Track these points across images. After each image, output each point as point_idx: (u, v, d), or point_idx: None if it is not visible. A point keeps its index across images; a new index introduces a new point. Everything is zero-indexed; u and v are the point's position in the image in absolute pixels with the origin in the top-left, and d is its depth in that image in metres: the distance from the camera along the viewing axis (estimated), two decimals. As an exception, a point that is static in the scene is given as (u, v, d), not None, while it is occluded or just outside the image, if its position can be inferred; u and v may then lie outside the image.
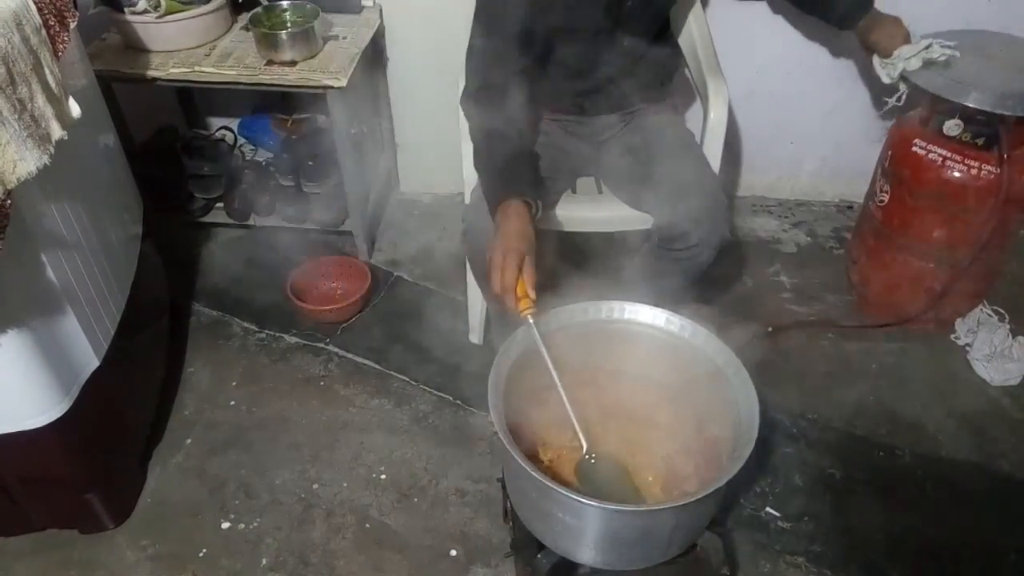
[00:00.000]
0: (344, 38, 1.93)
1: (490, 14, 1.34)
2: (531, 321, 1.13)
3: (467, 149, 1.43)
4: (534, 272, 1.14)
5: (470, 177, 1.56)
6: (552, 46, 1.43)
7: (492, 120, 1.33)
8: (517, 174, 1.28)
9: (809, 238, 2.26)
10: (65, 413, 1.27)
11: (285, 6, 1.92)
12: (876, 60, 1.64)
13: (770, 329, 1.92)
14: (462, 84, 1.42)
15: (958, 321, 1.90)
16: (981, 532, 1.50)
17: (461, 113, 1.42)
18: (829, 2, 1.64)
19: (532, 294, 1.12)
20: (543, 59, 1.45)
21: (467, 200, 1.52)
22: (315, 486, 1.58)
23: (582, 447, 1.17)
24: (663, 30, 1.55)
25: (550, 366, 1.13)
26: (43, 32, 1.13)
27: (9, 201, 1.02)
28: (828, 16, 1.67)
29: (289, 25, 1.90)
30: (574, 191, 1.68)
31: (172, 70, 1.80)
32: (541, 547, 1.14)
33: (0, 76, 0.99)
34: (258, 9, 1.91)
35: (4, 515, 1.39)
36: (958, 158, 1.64)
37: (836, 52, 2.05)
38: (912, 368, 1.84)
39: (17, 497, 1.36)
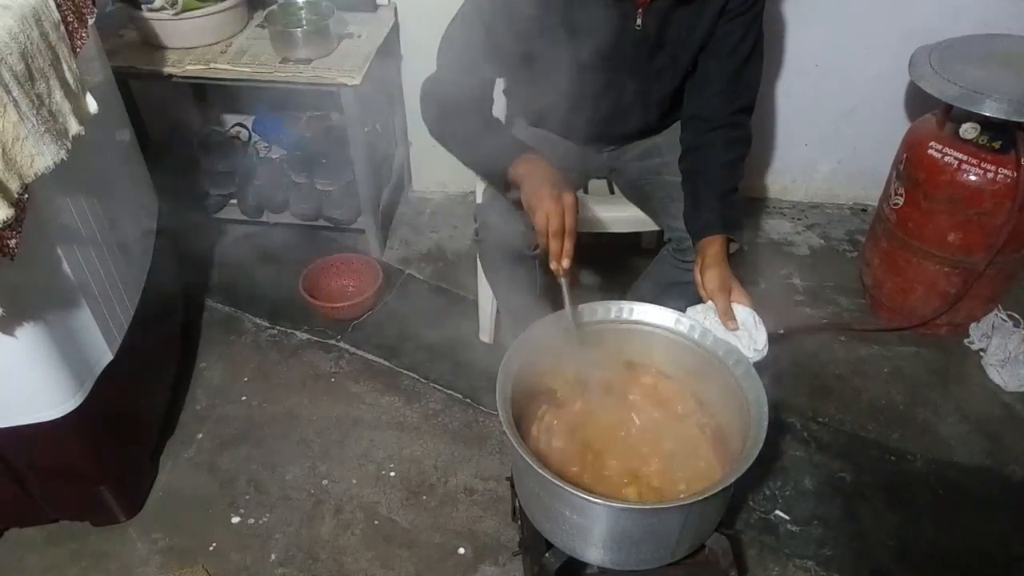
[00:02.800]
0: (359, 36, 1.94)
1: (489, 17, 1.26)
2: (562, 281, 1.11)
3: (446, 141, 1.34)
4: (576, 212, 1.11)
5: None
6: (568, 85, 1.39)
7: (469, 98, 1.29)
8: (513, 139, 1.27)
9: (822, 241, 2.25)
10: (79, 406, 1.28)
11: (300, 4, 1.93)
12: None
13: (782, 331, 1.91)
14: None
15: (972, 326, 1.89)
16: (993, 538, 1.49)
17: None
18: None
19: (570, 251, 1.09)
20: (554, 92, 1.41)
21: (479, 199, 1.52)
22: (325, 482, 1.58)
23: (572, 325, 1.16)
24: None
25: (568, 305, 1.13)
26: (61, 28, 1.14)
27: (26, 196, 1.03)
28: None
29: (304, 23, 1.91)
30: (586, 191, 1.68)
31: (188, 67, 1.82)
32: (549, 546, 1.14)
33: (19, 71, 1.00)
34: (274, 7, 1.92)
35: (18, 506, 1.41)
36: (974, 161, 1.63)
37: (851, 54, 2.04)
38: (925, 372, 1.83)
39: (31, 489, 1.38)
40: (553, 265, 1.11)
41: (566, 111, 1.42)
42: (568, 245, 1.10)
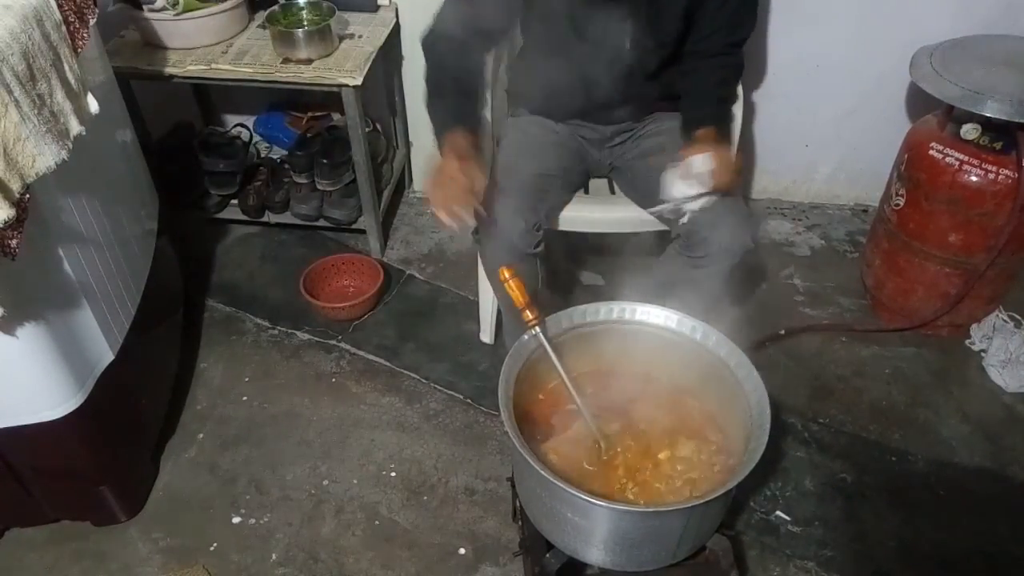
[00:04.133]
0: (360, 36, 1.94)
1: None
2: (536, 331, 1.15)
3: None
4: (481, 178, 1.25)
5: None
6: (565, 55, 1.43)
7: (457, 60, 1.37)
8: (467, 110, 1.36)
9: (823, 241, 2.25)
10: (80, 406, 1.28)
11: (302, 4, 1.93)
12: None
13: (783, 332, 1.91)
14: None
15: (973, 326, 1.89)
16: (994, 539, 1.49)
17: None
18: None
19: (534, 310, 1.15)
20: (555, 66, 1.45)
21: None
22: (325, 482, 1.58)
23: (599, 446, 1.17)
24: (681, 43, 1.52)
25: (561, 372, 1.14)
26: (63, 28, 1.14)
27: (28, 196, 1.03)
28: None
29: (305, 23, 1.91)
30: (586, 191, 1.68)
31: (189, 67, 1.82)
32: (550, 547, 1.14)
33: (20, 71, 1.00)
34: (275, 7, 1.92)
35: (19, 506, 1.41)
36: (975, 162, 1.62)
37: (853, 55, 2.04)
38: (926, 373, 1.83)
39: (32, 488, 1.38)
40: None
41: (564, 67, 1.45)
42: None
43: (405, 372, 1.83)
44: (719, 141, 1.37)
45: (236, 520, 1.52)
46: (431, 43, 1.40)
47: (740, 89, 1.58)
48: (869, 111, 2.14)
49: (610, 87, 1.45)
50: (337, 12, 1.89)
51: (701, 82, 1.46)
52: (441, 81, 1.38)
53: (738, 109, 1.57)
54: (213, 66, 1.82)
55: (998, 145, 1.60)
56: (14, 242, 1.01)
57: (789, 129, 2.22)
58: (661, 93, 1.52)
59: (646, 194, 1.54)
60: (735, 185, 1.32)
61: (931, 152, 1.69)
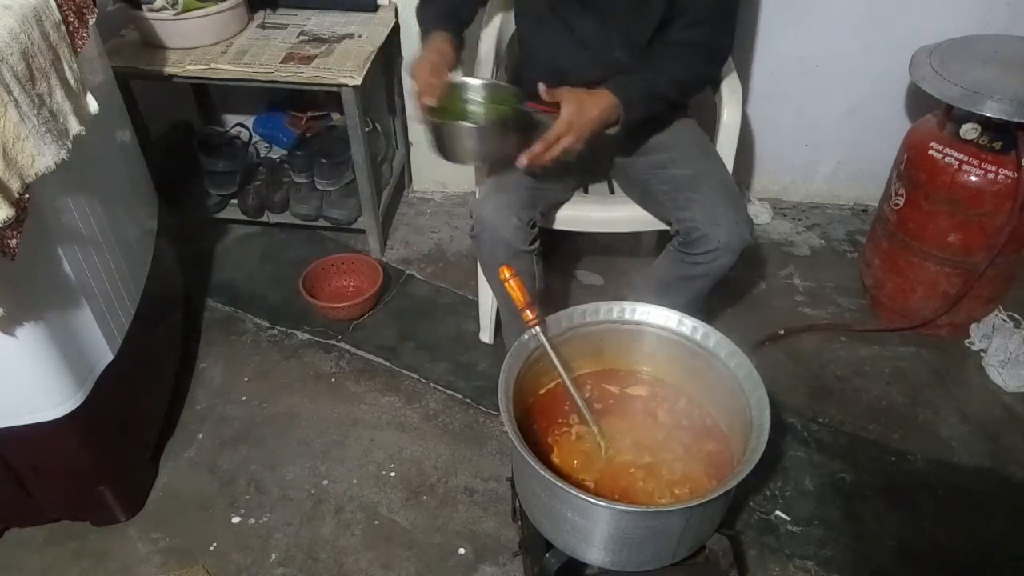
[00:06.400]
0: (360, 36, 1.94)
1: None
2: (536, 331, 1.15)
3: None
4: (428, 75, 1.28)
5: (481, 174, 1.57)
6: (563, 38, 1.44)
7: None
8: (454, 19, 1.42)
9: (823, 241, 2.25)
10: (79, 406, 1.28)
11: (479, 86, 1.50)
12: None
13: (782, 332, 1.91)
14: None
15: (973, 326, 1.89)
16: (993, 539, 1.49)
17: None
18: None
19: (534, 310, 1.15)
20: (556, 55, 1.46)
21: (478, 196, 1.52)
22: (325, 482, 1.58)
23: (600, 445, 1.17)
24: None
25: (561, 372, 1.14)
26: (62, 28, 1.14)
27: (27, 195, 1.03)
28: None
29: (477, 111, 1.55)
30: (586, 191, 1.68)
31: (189, 67, 1.81)
32: (549, 547, 1.14)
33: (20, 71, 1.00)
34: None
35: (18, 506, 1.41)
36: (975, 162, 1.63)
37: (852, 55, 2.04)
38: (925, 373, 1.83)
39: (31, 488, 1.38)
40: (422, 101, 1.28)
41: (553, 37, 1.46)
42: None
43: (405, 372, 1.82)
44: (593, 116, 1.28)
45: (235, 520, 1.52)
46: None
47: (739, 91, 1.58)
48: (869, 111, 2.14)
49: (598, 62, 1.45)
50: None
51: (662, 60, 1.40)
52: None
53: (737, 110, 1.56)
54: (212, 66, 1.81)
55: (998, 145, 1.60)
56: (14, 242, 1.00)
57: (789, 129, 2.22)
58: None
59: (646, 194, 1.54)
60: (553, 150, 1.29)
61: (931, 152, 1.69)
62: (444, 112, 1.32)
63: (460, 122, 1.32)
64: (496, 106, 1.39)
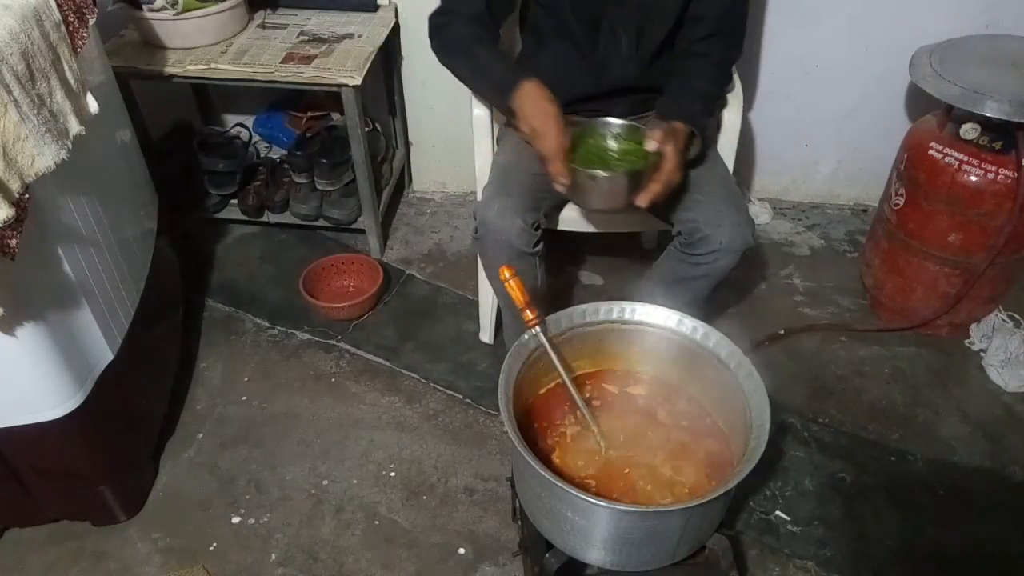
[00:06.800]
0: (359, 36, 1.94)
1: None
2: (536, 331, 1.15)
3: (449, 63, 1.44)
4: (562, 133, 1.24)
5: (482, 174, 1.57)
6: (568, 40, 1.44)
7: (477, 27, 1.37)
8: (511, 67, 1.37)
9: (823, 241, 2.25)
10: (79, 406, 1.28)
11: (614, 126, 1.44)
12: None
13: (782, 332, 1.91)
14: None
15: (973, 326, 1.89)
16: (993, 539, 1.49)
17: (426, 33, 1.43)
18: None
19: (534, 310, 1.14)
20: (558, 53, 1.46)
21: (479, 197, 1.52)
22: (325, 482, 1.58)
23: (600, 445, 1.17)
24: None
25: (561, 372, 1.14)
26: (62, 28, 1.14)
27: (27, 195, 1.03)
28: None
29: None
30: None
31: (189, 67, 1.81)
32: (549, 547, 1.14)
33: (20, 71, 1.00)
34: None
35: (19, 506, 1.41)
36: (975, 162, 1.63)
37: (852, 55, 2.04)
38: (925, 373, 1.83)
39: (31, 488, 1.38)
40: (557, 187, 1.27)
41: (562, 52, 1.47)
42: (559, 166, 1.22)
43: (405, 372, 1.82)
44: (682, 148, 1.31)
45: (235, 520, 1.52)
46: (446, 21, 1.39)
47: (740, 91, 1.58)
48: (869, 111, 2.14)
49: (608, 76, 1.46)
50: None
51: (691, 75, 1.43)
52: (468, 45, 1.37)
53: (737, 110, 1.56)
54: (212, 66, 1.81)
55: (997, 145, 1.60)
56: (13, 242, 1.00)
57: (789, 129, 2.22)
58: (656, 84, 1.51)
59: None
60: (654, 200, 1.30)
61: (931, 152, 1.69)
62: (576, 158, 1.29)
63: (599, 171, 1.27)
64: (628, 147, 1.35)
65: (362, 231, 2.14)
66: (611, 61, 1.45)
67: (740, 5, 1.46)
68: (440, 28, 1.40)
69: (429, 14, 1.42)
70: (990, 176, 1.61)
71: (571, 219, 1.59)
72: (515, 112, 1.29)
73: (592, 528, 1.03)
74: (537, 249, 1.41)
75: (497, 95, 1.34)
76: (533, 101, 1.27)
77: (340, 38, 1.93)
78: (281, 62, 1.83)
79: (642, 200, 1.28)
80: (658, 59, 1.47)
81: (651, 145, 1.28)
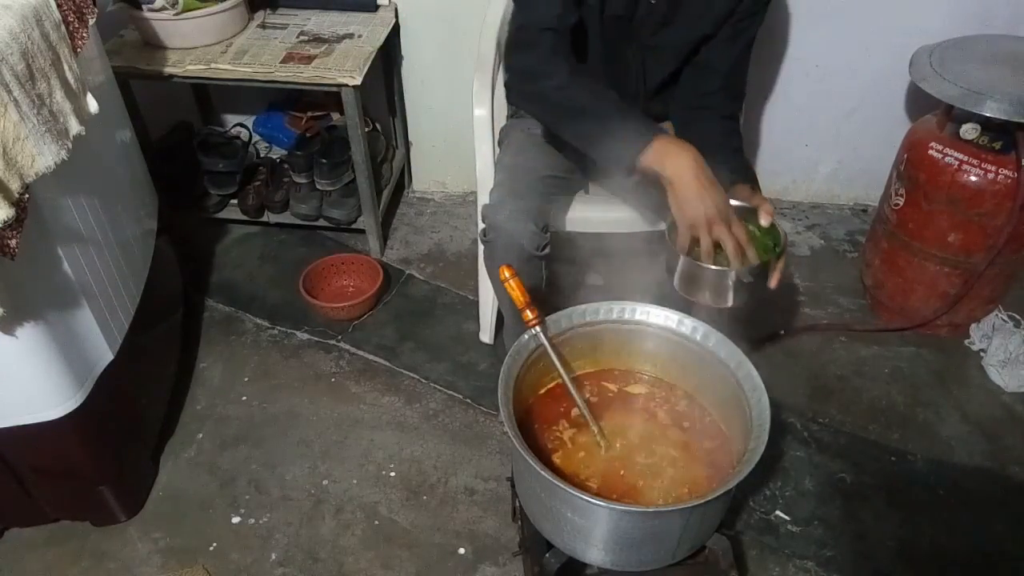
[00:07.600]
0: (359, 36, 1.94)
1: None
2: (536, 331, 1.14)
3: (545, 117, 1.34)
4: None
5: (483, 175, 1.56)
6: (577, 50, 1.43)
7: (574, 69, 1.25)
8: (643, 120, 1.21)
9: (823, 241, 2.25)
10: (79, 406, 1.28)
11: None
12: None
13: (782, 332, 1.91)
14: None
15: (973, 326, 1.89)
16: (993, 539, 1.49)
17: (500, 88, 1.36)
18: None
19: (534, 310, 1.13)
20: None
21: (483, 199, 1.51)
22: (325, 482, 1.58)
23: (600, 446, 1.17)
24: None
25: (561, 372, 1.14)
26: (62, 28, 1.14)
27: (27, 195, 1.03)
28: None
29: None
30: (586, 191, 1.68)
31: (189, 67, 1.81)
32: (549, 547, 1.14)
33: (20, 71, 1.00)
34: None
35: (18, 506, 1.41)
36: (975, 162, 1.63)
37: (852, 55, 2.04)
38: (925, 373, 1.83)
39: (31, 488, 1.38)
40: (735, 265, 1.15)
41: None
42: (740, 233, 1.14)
43: (405, 372, 1.82)
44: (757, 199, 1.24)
45: (235, 520, 1.52)
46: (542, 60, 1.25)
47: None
48: (869, 111, 2.14)
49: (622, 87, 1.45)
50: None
51: (720, 138, 1.39)
52: (576, 94, 1.24)
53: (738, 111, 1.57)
54: (212, 66, 1.81)
55: (997, 145, 1.60)
56: (13, 242, 1.01)
57: (789, 129, 2.22)
58: (656, 115, 1.50)
59: (653, 198, 1.54)
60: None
61: (931, 152, 1.69)
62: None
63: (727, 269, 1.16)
64: (762, 239, 1.22)
65: (362, 231, 2.14)
66: (620, 90, 1.44)
67: (746, 60, 1.43)
68: (533, 78, 1.26)
69: (507, 41, 1.31)
70: (990, 176, 1.61)
71: (574, 220, 1.59)
72: (647, 171, 1.17)
73: (592, 528, 1.03)
74: (545, 251, 1.41)
75: (619, 156, 1.19)
76: (674, 160, 1.14)
77: (340, 38, 1.93)
78: (281, 62, 1.83)
79: (772, 282, 1.22)
80: (660, 93, 1.48)
81: (766, 220, 1.20)
